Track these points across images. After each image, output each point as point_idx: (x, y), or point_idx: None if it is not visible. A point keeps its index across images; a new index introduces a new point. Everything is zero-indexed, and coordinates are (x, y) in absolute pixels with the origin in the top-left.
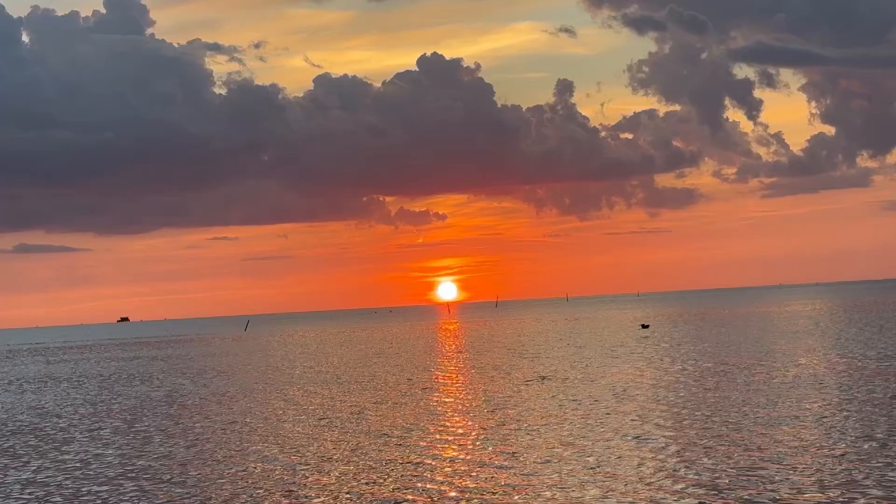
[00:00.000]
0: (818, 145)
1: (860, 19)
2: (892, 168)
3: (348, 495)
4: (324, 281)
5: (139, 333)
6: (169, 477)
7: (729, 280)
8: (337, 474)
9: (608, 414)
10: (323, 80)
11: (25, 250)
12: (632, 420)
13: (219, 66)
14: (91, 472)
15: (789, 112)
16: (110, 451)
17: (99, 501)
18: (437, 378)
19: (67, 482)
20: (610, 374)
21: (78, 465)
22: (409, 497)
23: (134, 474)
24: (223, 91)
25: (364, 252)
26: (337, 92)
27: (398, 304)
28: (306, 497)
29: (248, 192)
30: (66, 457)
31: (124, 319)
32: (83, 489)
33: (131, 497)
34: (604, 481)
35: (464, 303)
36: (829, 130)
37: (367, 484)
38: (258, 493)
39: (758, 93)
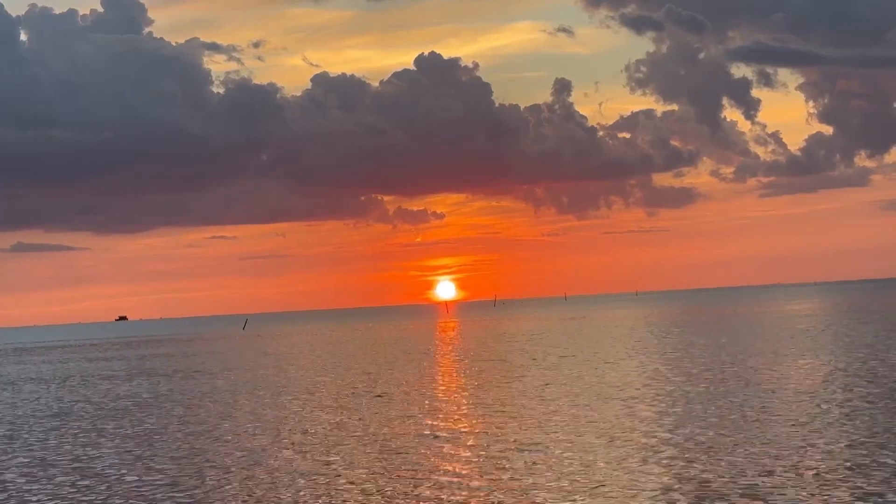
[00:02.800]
0: (816, 145)
1: (859, 19)
2: (890, 168)
3: None
4: (322, 280)
5: (135, 332)
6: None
7: (727, 279)
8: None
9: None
10: (321, 80)
11: (24, 249)
12: (533, 432)
13: (217, 66)
14: None
15: (787, 111)
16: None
17: None
18: (381, 384)
19: None
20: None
21: None
22: None
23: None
24: (221, 90)
25: (362, 251)
26: (335, 91)
27: (397, 304)
28: None
29: (246, 192)
30: None
31: (122, 318)
32: None
33: None
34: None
35: (462, 302)
36: (827, 130)
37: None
38: None
39: (756, 92)
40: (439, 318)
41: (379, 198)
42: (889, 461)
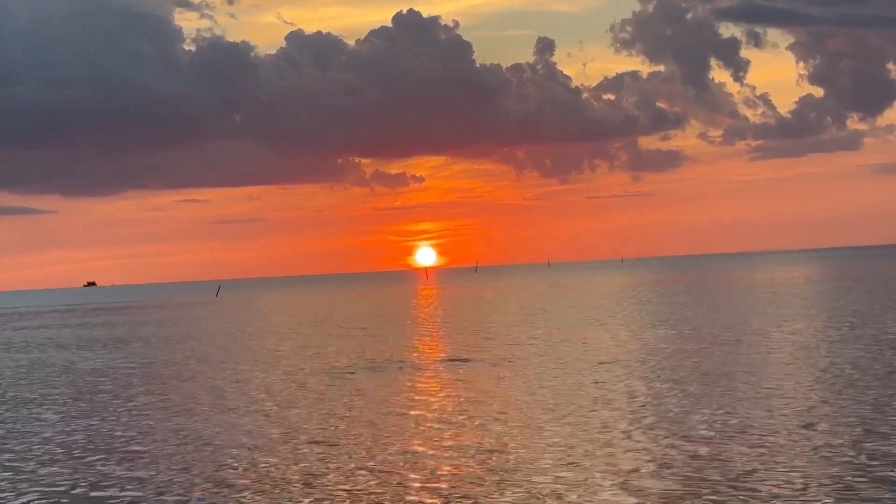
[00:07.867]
0: (807, 107)
1: None
2: (882, 131)
3: None
4: (299, 245)
5: (101, 299)
6: None
7: (715, 245)
8: None
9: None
10: (295, 38)
11: None
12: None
13: (188, 23)
14: None
15: (777, 72)
16: None
17: None
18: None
19: None
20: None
21: None
22: None
23: None
24: (192, 48)
25: (339, 215)
26: (310, 50)
27: (376, 269)
28: None
29: (219, 154)
30: None
31: (91, 284)
32: None
33: None
34: None
35: (443, 268)
36: (818, 91)
37: None
38: None
39: (745, 53)
40: (420, 284)
41: (356, 160)
42: None
